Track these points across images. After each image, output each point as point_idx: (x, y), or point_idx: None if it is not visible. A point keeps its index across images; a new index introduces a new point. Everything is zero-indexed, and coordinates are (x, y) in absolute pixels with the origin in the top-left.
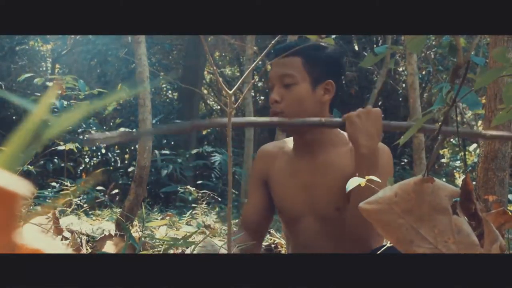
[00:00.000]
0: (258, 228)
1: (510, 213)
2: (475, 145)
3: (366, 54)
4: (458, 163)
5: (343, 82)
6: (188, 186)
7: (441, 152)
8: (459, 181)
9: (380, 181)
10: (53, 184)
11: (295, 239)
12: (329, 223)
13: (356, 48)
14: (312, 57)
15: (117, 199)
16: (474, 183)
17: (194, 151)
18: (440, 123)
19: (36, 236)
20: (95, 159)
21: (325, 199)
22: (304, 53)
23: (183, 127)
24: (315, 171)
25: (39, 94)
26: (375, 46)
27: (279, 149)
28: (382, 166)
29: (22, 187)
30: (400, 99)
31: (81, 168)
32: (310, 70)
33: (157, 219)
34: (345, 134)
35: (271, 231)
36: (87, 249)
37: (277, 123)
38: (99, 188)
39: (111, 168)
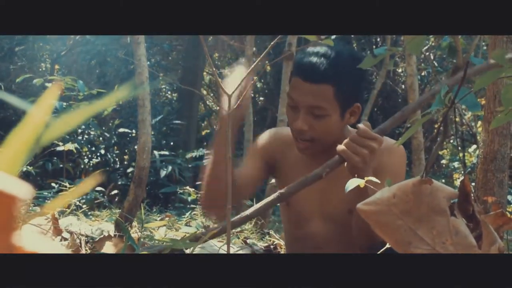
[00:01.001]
0: (241, 188)
1: (508, 215)
2: (474, 146)
3: (365, 55)
4: (457, 164)
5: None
6: (187, 187)
7: (440, 153)
8: (458, 182)
9: (379, 181)
10: (53, 184)
11: (303, 242)
12: (340, 226)
13: (356, 49)
14: (345, 85)
15: (116, 199)
16: (473, 184)
17: (189, 155)
18: (438, 124)
19: (34, 239)
20: (94, 159)
21: (338, 201)
22: (335, 81)
23: None
24: (329, 174)
25: (38, 95)
26: (374, 47)
27: (292, 138)
28: (393, 166)
29: (21, 189)
30: (400, 100)
31: (80, 168)
32: (341, 99)
33: (156, 220)
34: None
35: (270, 232)
36: (86, 250)
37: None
38: (98, 188)
39: (110, 168)
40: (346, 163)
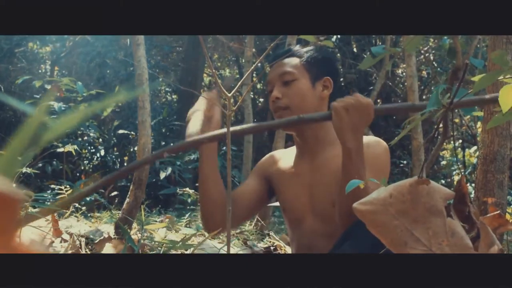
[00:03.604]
0: (235, 209)
1: (508, 216)
2: (475, 147)
3: (365, 56)
4: (457, 165)
5: (341, 83)
6: (187, 188)
7: (441, 153)
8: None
9: (376, 181)
10: (52, 186)
11: (298, 240)
12: (329, 222)
13: (355, 50)
14: (309, 56)
15: (116, 201)
16: (473, 185)
17: (187, 158)
18: (436, 127)
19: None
20: (94, 161)
21: (324, 197)
22: (300, 54)
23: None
24: (314, 170)
25: (38, 96)
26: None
27: (286, 153)
28: (376, 159)
29: (18, 192)
30: (399, 101)
31: (80, 170)
32: (308, 67)
33: (156, 221)
34: None
35: (270, 234)
36: (86, 252)
37: (266, 127)
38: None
39: (110, 170)
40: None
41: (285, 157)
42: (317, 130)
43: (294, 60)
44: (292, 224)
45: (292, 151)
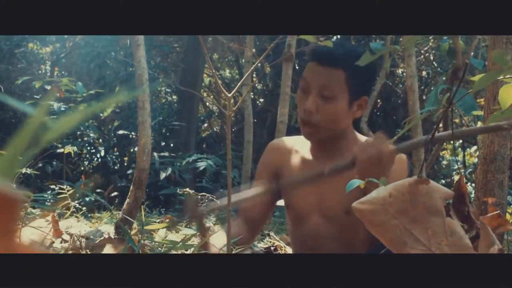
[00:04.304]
0: (255, 218)
1: (507, 216)
2: (475, 147)
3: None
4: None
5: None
6: (187, 189)
7: (441, 153)
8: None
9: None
10: (52, 186)
11: (302, 241)
12: (337, 226)
13: None
14: (356, 72)
15: (116, 201)
16: (473, 185)
17: (186, 160)
18: (436, 126)
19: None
20: (94, 161)
21: (335, 201)
22: (348, 67)
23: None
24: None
25: (38, 97)
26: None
27: (293, 146)
28: (401, 175)
29: (18, 193)
30: (399, 101)
31: (80, 170)
32: (351, 86)
33: (156, 222)
34: (359, 136)
35: (270, 234)
36: (86, 252)
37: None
38: (98, 190)
39: (110, 170)
40: (356, 165)
41: (293, 150)
42: (338, 140)
43: (340, 75)
44: (295, 222)
45: (301, 141)
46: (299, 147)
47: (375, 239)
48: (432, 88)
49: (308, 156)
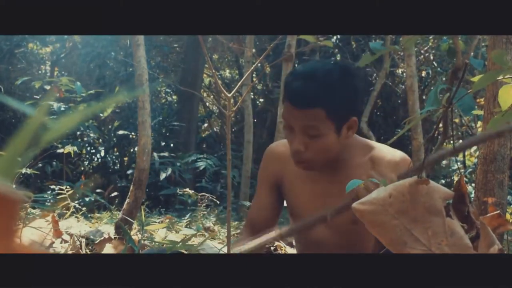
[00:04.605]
0: (264, 229)
1: (507, 216)
2: (475, 147)
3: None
4: (457, 165)
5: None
6: (187, 189)
7: None
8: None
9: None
10: (52, 186)
11: (307, 248)
12: (343, 235)
13: (355, 50)
14: (336, 105)
15: (116, 201)
16: (473, 185)
17: (186, 160)
18: (435, 126)
19: (32, 243)
20: (94, 161)
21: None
22: (326, 103)
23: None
24: (332, 181)
25: (38, 97)
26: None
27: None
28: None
29: (18, 193)
30: (399, 101)
31: (80, 170)
32: (335, 119)
33: (156, 222)
34: (363, 141)
35: None
36: (86, 252)
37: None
38: (98, 190)
39: (110, 170)
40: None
41: (289, 154)
42: (340, 154)
43: (319, 113)
44: (302, 231)
45: None
46: None
47: (383, 248)
48: (432, 88)
49: None
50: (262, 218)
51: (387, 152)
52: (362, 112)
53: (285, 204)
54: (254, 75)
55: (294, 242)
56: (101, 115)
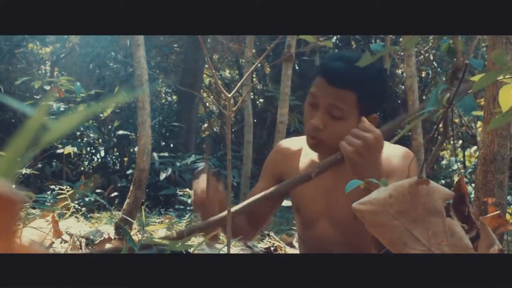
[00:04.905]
0: (258, 215)
1: (507, 217)
2: (475, 147)
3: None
4: (457, 165)
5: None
6: (187, 189)
7: (441, 153)
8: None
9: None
10: (52, 187)
11: (311, 243)
12: (346, 230)
13: (355, 50)
14: (367, 93)
15: (116, 202)
16: (473, 185)
17: (185, 161)
18: (436, 127)
19: (32, 243)
20: (94, 162)
21: (343, 204)
22: (360, 88)
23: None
24: (335, 176)
25: (38, 97)
26: None
27: (299, 147)
28: (403, 171)
29: (18, 193)
30: (399, 101)
31: (80, 170)
32: (362, 106)
33: (156, 222)
34: None
35: (270, 234)
36: (86, 252)
37: (271, 194)
38: (98, 191)
39: (110, 170)
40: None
41: (299, 152)
42: None
43: (351, 97)
44: (305, 225)
45: (305, 143)
46: (306, 148)
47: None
48: (432, 88)
49: (315, 157)
50: (259, 206)
51: (390, 149)
52: (381, 112)
53: (285, 204)
54: (254, 75)
55: (294, 242)
56: (101, 115)
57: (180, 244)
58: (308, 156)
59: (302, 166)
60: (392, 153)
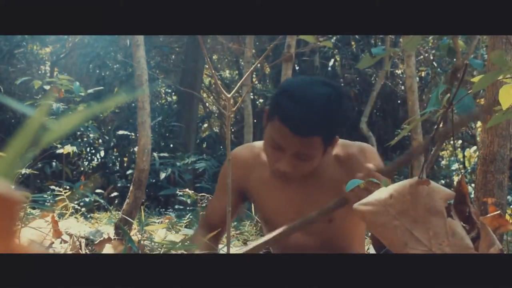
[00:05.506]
0: (218, 227)
1: (508, 217)
2: (475, 147)
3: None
4: (457, 165)
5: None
6: (187, 189)
7: (440, 154)
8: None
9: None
10: (52, 187)
11: (282, 252)
12: (321, 237)
13: (354, 50)
14: (332, 132)
15: (116, 202)
16: (473, 185)
17: (185, 161)
18: (436, 126)
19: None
20: (93, 162)
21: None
22: (325, 131)
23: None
24: (303, 184)
25: (38, 97)
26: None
27: (257, 157)
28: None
29: (17, 194)
30: (399, 101)
31: (80, 171)
32: (327, 143)
33: (155, 222)
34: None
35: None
36: (86, 252)
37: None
38: (98, 191)
39: (110, 171)
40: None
41: (258, 163)
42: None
43: (317, 141)
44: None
45: (261, 150)
46: (264, 158)
47: (358, 240)
48: (432, 88)
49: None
50: (217, 219)
51: (347, 146)
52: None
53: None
54: (254, 75)
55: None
56: (100, 115)
57: (180, 244)
58: (265, 166)
59: (264, 176)
60: (352, 150)
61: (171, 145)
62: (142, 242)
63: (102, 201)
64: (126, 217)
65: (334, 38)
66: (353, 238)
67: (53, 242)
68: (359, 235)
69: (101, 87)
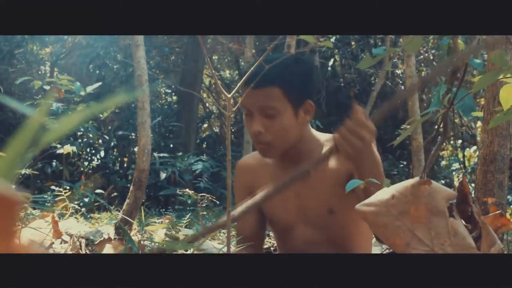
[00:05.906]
0: (256, 241)
1: (508, 216)
2: (475, 147)
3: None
4: (457, 165)
5: (341, 84)
6: (187, 189)
7: (441, 153)
8: (458, 183)
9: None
10: (52, 187)
11: (289, 249)
12: (323, 228)
13: (354, 50)
14: (291, 84)
15: (116, 202)
16: (473, 185)
17: (185, 161)
18: (437, 126)
19: (31, 244)
20: (93, 162)
21: (316, 204)
22: (282, 82)
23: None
24: (305, 179)
25: (37, 98)
26: (373, 48)
27: (259, 161)
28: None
29: (17, 194)
30: (399, 101)
31: (80, 171)
32: (290, 96)
33: (156, 222)
34: (322, 135)
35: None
36: (86, 253)
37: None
38: (98, 191)
39: (110, 171)
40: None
41: (260, 166)
42: (299, 146)
43: (275, 92)
44: (281, 234)
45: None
46: (265, 160)
47: (363, 235)
48: (431, 88)
49: (277, 168)
50: (251, 231)
51: (335, 134)
52: (315, 98)
53: None
54: None
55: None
56: (100, 115)
57: (180, 244)
58: (269, 167)
59: (266, 178)
60: (325, 140)
61: (171, 145)
62: (142, 242)
63: (102, 201)
64: (126, 217)
65: (334, 38)
66: (358, 232)
67: (53, 242)
68: (365, 231)
69: (101, 84)
